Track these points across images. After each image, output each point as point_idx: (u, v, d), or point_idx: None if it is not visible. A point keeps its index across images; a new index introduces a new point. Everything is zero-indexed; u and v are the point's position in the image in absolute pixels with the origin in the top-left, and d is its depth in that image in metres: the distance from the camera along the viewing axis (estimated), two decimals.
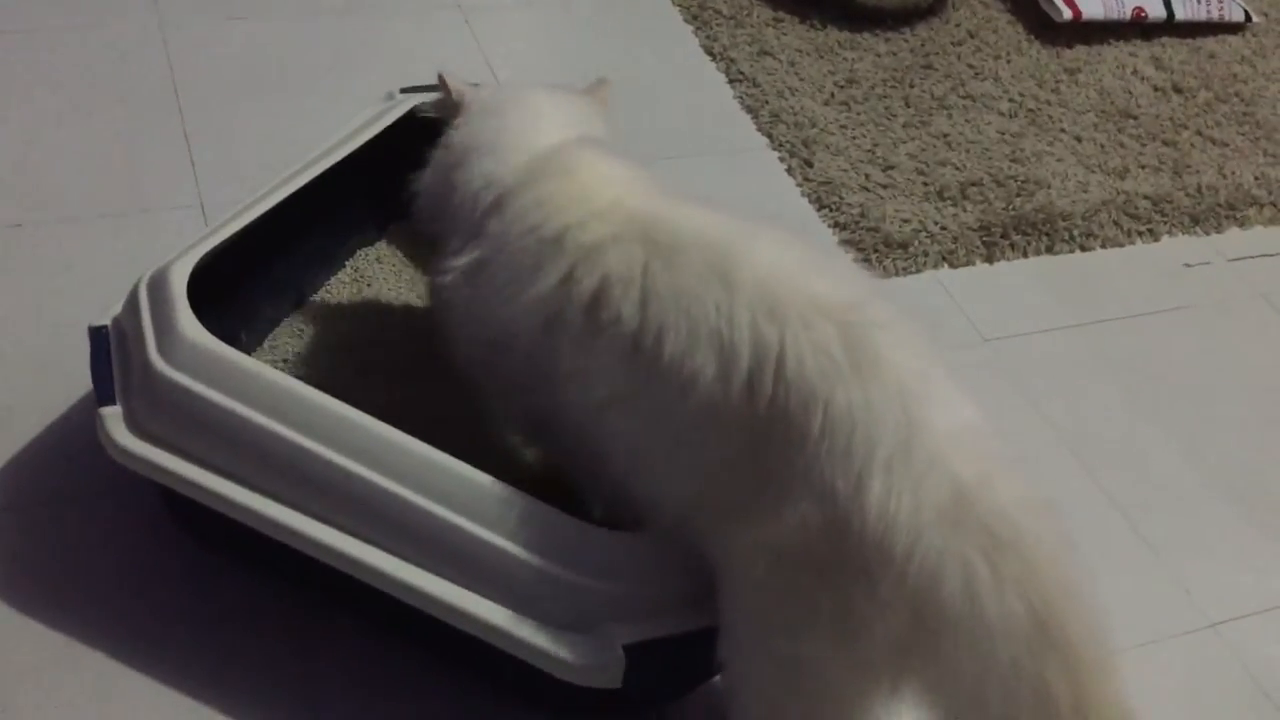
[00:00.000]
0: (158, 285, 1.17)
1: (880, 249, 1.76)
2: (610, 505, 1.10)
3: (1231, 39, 2.34)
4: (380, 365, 1.40)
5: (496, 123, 1.23)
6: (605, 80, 1.33)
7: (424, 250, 1.54)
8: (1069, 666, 0.87)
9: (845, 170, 1.87)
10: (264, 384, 1.10)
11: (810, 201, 1.84)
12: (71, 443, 1.31)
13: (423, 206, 1.26)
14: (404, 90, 1.50)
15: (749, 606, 0.99)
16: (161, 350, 1.12)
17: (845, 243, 1.78)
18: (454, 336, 1.18)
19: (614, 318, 1.01)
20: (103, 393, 1.14)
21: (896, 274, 1.75)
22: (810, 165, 1.88)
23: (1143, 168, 1.98)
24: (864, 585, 0.90)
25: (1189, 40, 2.30)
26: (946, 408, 0.94)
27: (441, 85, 1.29)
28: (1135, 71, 2.19)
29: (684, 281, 1.00)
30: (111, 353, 1.17)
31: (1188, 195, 1.95)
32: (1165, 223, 1.92)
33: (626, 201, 1.08)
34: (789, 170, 1.88)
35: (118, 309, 1.22)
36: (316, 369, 1.38)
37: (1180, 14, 2.30)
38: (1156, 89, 2.16)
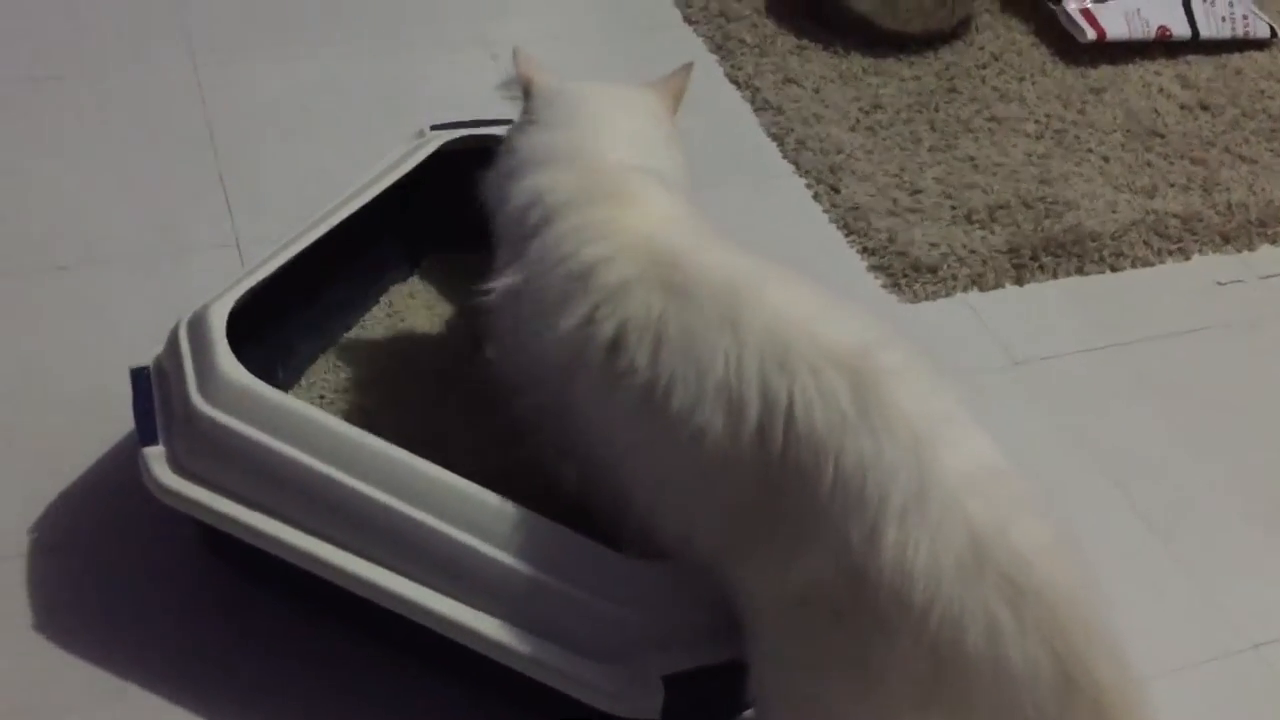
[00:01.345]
0: (197, 326, 1.19)
1: (909, 273, 1.76)
2: (637, 542, 1.10)
3: (1258, 55, 2.33)
4: (415, 399, 1.41)
5: (556, 132, 1.21)
6: (688, 66, 1.29)
7: (457, 283, 1.56)
8: (1097, 711, 0.87)
9: (872, 195, 1.88)
10: (303, 421, 1.12)
11: (838, 227, 1.84)
12: (114, 482, 1.33)
13: (485, 206, 1.25)
14: (434, 127, 1.52)
15: (771, 647, 0.99)
16: (202, 390, 1.14)
17: (874, 268, 1.78)
18: (493, 354, 1.19)
19: (629, 366, 1.01)
20: (145, 433, 1.16)
21: (926, 298, 1.75)
22: (837, 191, 1.89)
23: (1172, 186, 1.98)
24: (883, 635, 0.90)
25: (1214, 57, 2.30)
26: (962, 451, 0.93)
27: (515, 64, 1.27)
28: (1161, 90, 2.19)
29: (695, 328, 1.00)
30: (153, 393, 1.20)
31: (1218, 213, 1.95)
32: (1196, 241, 1.91)
33: (658, 239, 1.07)
34: (816, 196, 1.89)
35: (158, 349, 1.24)
36: (353, 404, 1.40)
37: (1205, 32, 2.30)
38: (1183, 107, 2.16)
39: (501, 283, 1.15)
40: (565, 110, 1.24)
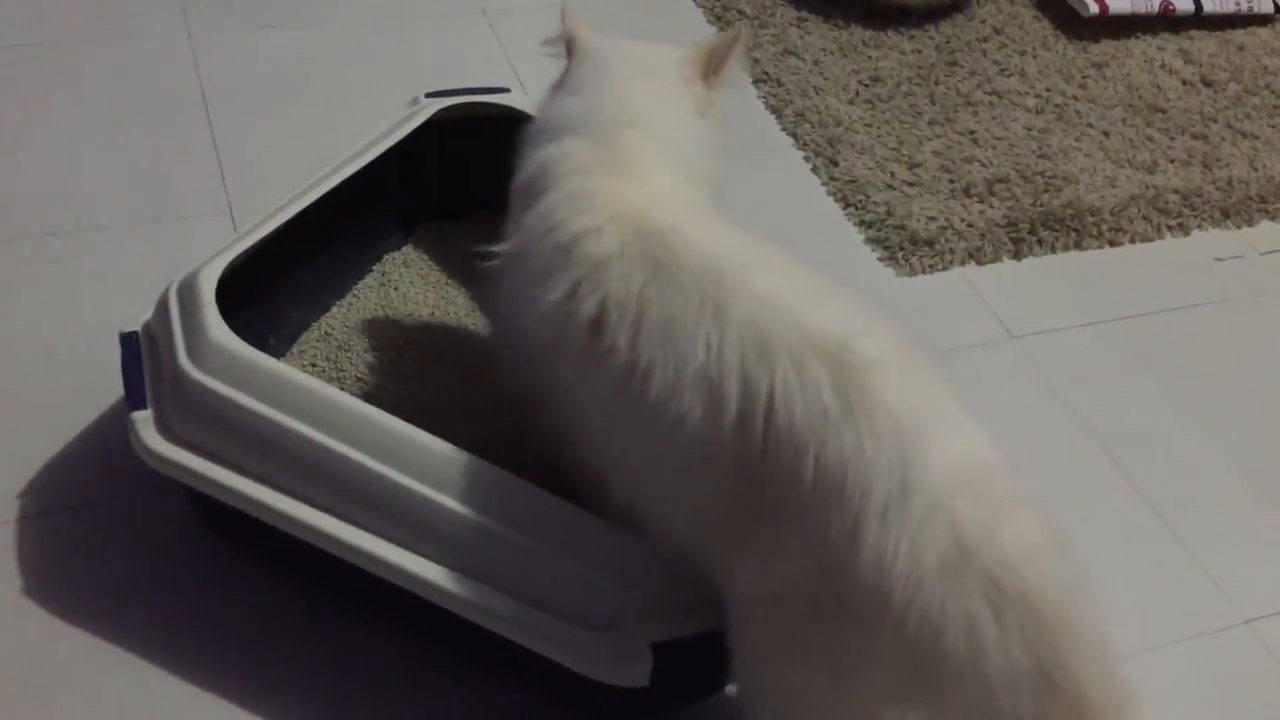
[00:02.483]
0: (187, 290, 1.18)
1: (906, 247, 1.75)
2: (618, 521, 1.07)
3: (1261, 31, 2.32)
4: (407, 367, 1.40)
5: (575, 99, 1.16)
6: (734, 33, 1.20)
7: (450, 251, 1.56)
8: (1078, 714, 0.86)
9: (871, 168, 1.87)
10: (292, 387, 1.11)
11: (836, 200, 1.83)
12: (104, 448, 1.33)
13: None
14: (429, 95, 1.51)
15: (752, 633, 0.98)
16: (191, 355, 1.13)
17: (871, 241, 1.77)
18: (488, 326, 1.17)
19: (609, 347, 0.99)
20: (134, 398, 1.16)
21: (923, 271, 1.74)
22: (835, 164, 1.88)
23: (1172, 162, 1.96)
24: (862, 632, 0.89)
25: (1217, 33, 2.28)
26: (949, 447, 0.90)
27: (561, 20, 1.21)
28: (1163, 65, 2.18)
29: (676, 311, 0.97)
30: (143, 358, 1.19)
31: (1218, 189, 1.93)
32: (1195, 216, 1.90)
33: (650, 213, 1.04)
34: (814, 169, 1.88)
35: (148, 315, 1.23)
36: (345, 372, 1.39)
37: (1208, 7, 2.28)
38: (1185, 82, 2.15)
39: (499, 249, 1.13)
40: (590, 75, 1.18)
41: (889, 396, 0.90)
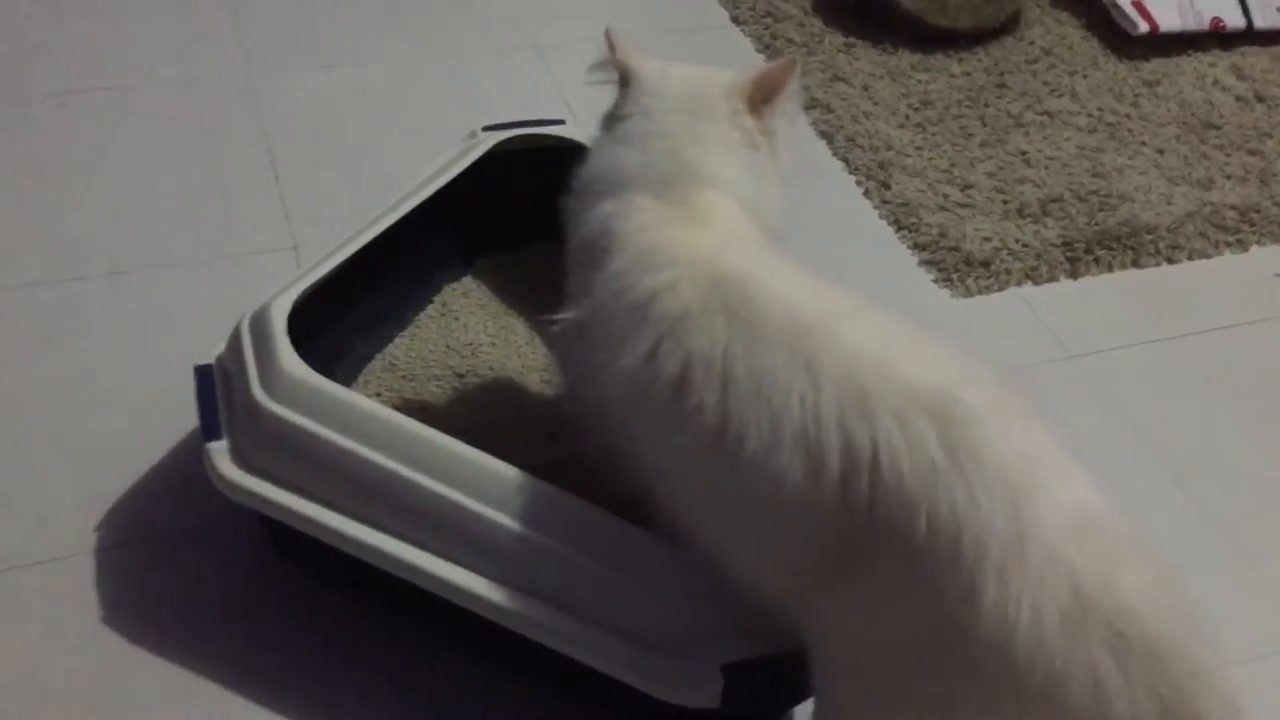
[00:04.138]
0: (259, 323, 1.21)
1: (961, 268, 1.76)
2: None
3: None
4: (469, 395, 1.42)
5: (629, 150, 1.13)
6: (790, 60, 1.16)
7: (509, 282, 1.58)
8: None
9: (923, 191, 1.87)
10: (362, 415, 1.13)
11: (889, 223, 1.84)
12: (179, 480, 1.36)
13: (563, 230, 1.17)
14: (485, 128, 1.53)
15: (849, 689, 0.96)
16: (264, 385, 1.16)
17: (925, 263, 1.77)
18: (560, 389, 1.15)
19: (697, 406, 0.95)
20: (209, 428, 1.18)
21: (979, 293, 1.74)
22: (888, 187, 1.88)
23: (1228, 178, 1.95)
24: (983, 686, 0.86)
25: (1270, 48, 2.27)
26: (1059, 497, 0.87)
27: (608, 47, 1.18)
28: (1216, 82, 2.17)
29: (765, 366, 0.94)
30: (216, 390, 1.22)
31: (1276, 204, 1.92)
32: (1254, 232, 1.89)
33: (722, 261, 1.01)
34: (866, 193, 1.89)
35: (219, 349, 1.26)
36: (408, 401, 1.41)
37: (1259, 22, 2.27)
38: (1239, 99, 2.13)
39: (567, 316, 1.10)
40: (642, 120, 1.15)
41: (997, 448, 0.88)
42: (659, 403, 0.98)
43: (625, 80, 1.19)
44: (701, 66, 1.21)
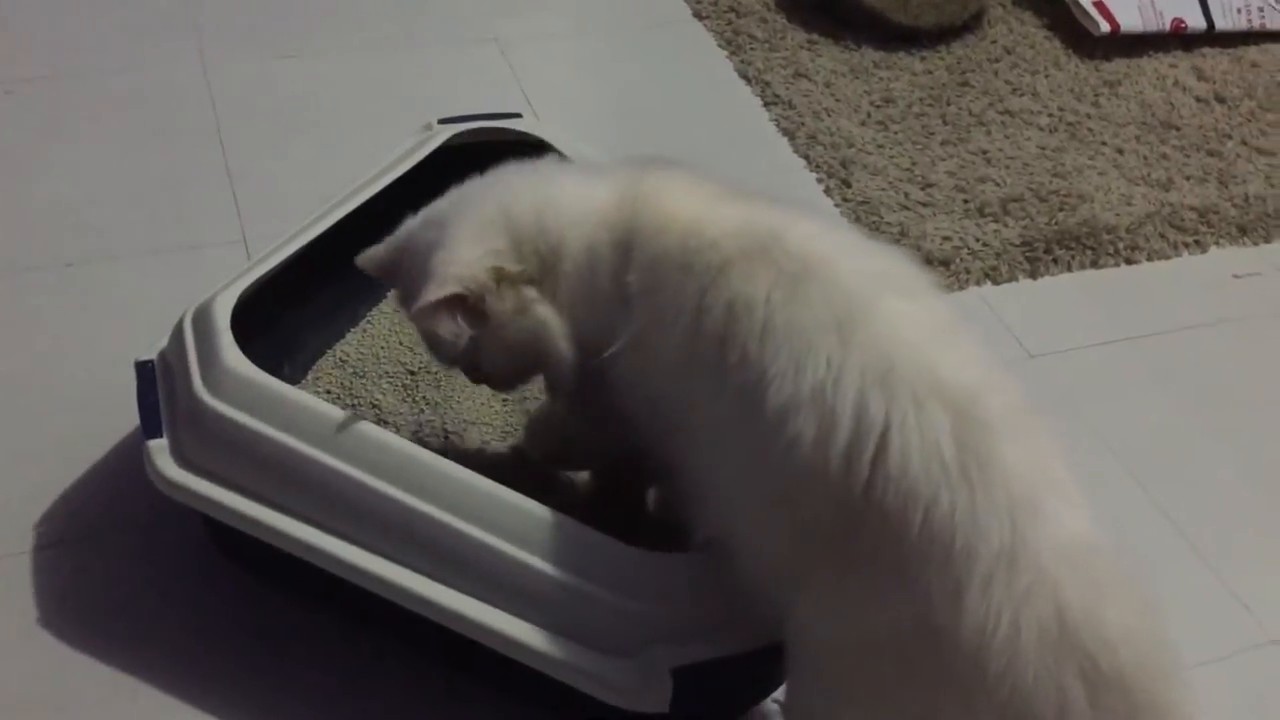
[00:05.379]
0: (202, 318, 1.18)
1: (921, 267, 1.74)
2: (702, 543, 1.03)
3: (1274, 48, 2.31)
4: (421, 393, 1.40)
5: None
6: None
7: None
8: None
9: (884, 189, 1.86)
10: (307, 413, 1.10)
11: (850, 221, 1.83)
12: (119, 478, 1.33)
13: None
14: (441, 121, 1.51)
15: (827, 685, 0.94)
16: (206, 382, 1.13)
17: None
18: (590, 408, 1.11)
19: (739, 358, 0.93)
20: (149, 426, 1.15)
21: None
22: (849, 185, 1.87)
23: (1188, 179, 1.96)
24: (957, 695, 0.86)
25: (1230, 50, 2.28)
26: (1059, 521, 0.87)
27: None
28: (1176, 83, 2.17)
29: (803, 321, 0.92)
30: (158, 386, 1.19)
31: (1234, 205, 1.92)
32: (1212, 233, 1.89)
33: (753, 221, 0.99)
34: (827, 191, 1.88)
35: (164, 343, 1.23)
36: (359, 398, 1.39)
37: (1220, 24, 2.28)
38: (1199, 100, 2.14)
39: (616, 349, 1.03)
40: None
41: (1008, 459, 0.87)
42: (706, 361, 0.96)
43: None
44: None
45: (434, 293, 1.03)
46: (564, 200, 1.07)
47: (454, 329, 1.05)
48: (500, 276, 1.05)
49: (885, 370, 0.89)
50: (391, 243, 1.16)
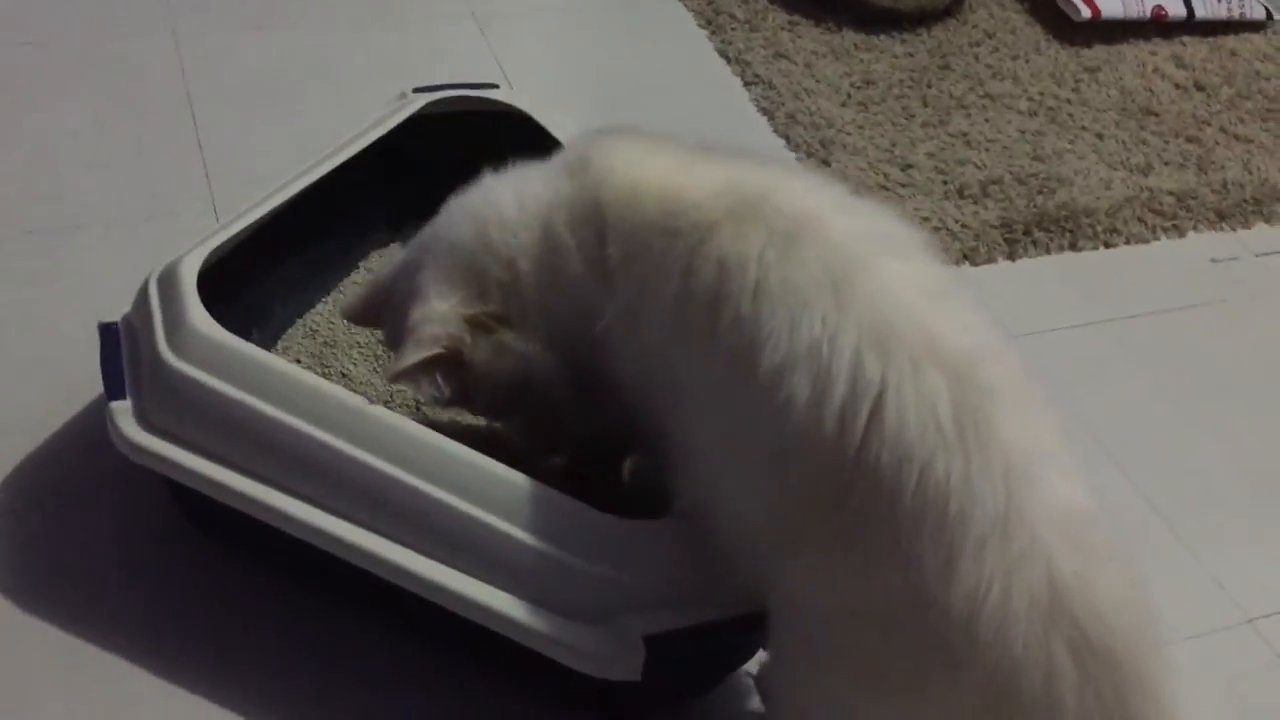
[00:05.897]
0: (167, 279, 1.16)
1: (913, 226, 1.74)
2: (686, 510, 1.02)
3: (1253, 37, 2.32)
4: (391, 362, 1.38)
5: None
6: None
7: None
8: None
9: (863, 170, 1.85)
10: (273, 375, 1.08)
11: None
12: (83, 444, 1.30)
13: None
14: (417, 90, 1.49)
15: (812, 653, 0.93)
16: (171, 344, 1.11)
17: None
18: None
19: (732, 319, 0.91)
20: (113, 388, 1.12)
21: None
22: (828, 165, 1.86)
23: (1166, 164, 1.95)
24: (945, 662, 0.85)
25: (1210, 38, 2.28)
26: (1054, 490, 0.85)
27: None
28: (1156, 70, 2.17)
29: (797, 280, 0.90)
30: (122, 349, 1.16)
31: (1213, 191, 1.92)
32: (1191, 219, 1.89)
33: (739, 181, 0.97)
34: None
35: (128, 308, 1.20)
36: (329, 368, 1.37)
37: (1201, 12, 2.28)
38: (1178, 86, 2.14)
39: (604, 322, 1.02)
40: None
41: (1005, 425, 0.85)
42: (697, 326, 0.94)
43: None
44: None
45: (411, 356, 1.06)
46: (503, 212, 1.08)
47: (434, 390, 1.09)
48: (475, 324, 1.07)
49: (883, 331, 0.87)
50: (369, 293, 1.20)
